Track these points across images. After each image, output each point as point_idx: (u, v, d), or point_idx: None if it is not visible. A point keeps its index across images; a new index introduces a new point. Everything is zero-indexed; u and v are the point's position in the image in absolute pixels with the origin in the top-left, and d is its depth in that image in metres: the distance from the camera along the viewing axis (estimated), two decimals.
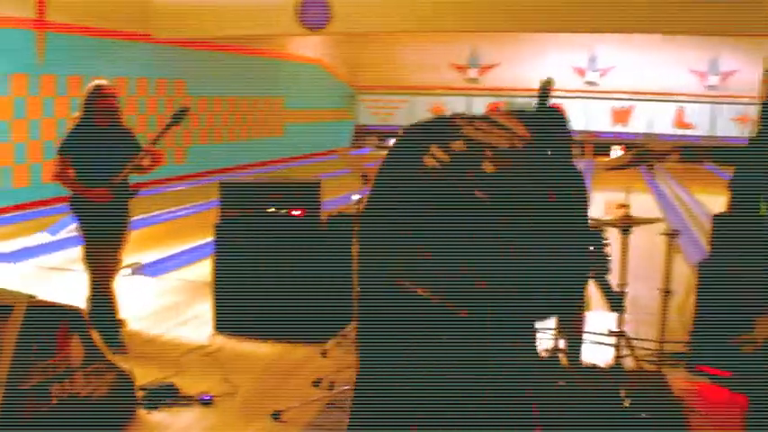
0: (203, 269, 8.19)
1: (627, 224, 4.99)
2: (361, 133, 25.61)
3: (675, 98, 23.32)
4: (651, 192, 14.92)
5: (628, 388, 4.77)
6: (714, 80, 22.95)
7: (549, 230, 2.43)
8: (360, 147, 25.20)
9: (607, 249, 5.09)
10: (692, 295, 5.42)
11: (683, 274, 6.85)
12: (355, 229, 5.09)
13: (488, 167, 2.52)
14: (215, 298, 6.22)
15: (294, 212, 6.16)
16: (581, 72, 24.06)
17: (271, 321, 6.00)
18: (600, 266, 5.09)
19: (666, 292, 4.81)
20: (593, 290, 5.36)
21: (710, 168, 21.06)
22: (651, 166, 4.86)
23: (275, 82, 20.32)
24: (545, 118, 4.92)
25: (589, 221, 5.03)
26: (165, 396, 4.84)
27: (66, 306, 4.09)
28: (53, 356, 3.90)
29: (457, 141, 2.63)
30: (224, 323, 6.17)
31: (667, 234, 4.75)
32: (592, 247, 5.03)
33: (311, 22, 14.17)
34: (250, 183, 6.54)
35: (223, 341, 5.97)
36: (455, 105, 25.03)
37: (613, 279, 5.12)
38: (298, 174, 17.81)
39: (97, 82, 5.78)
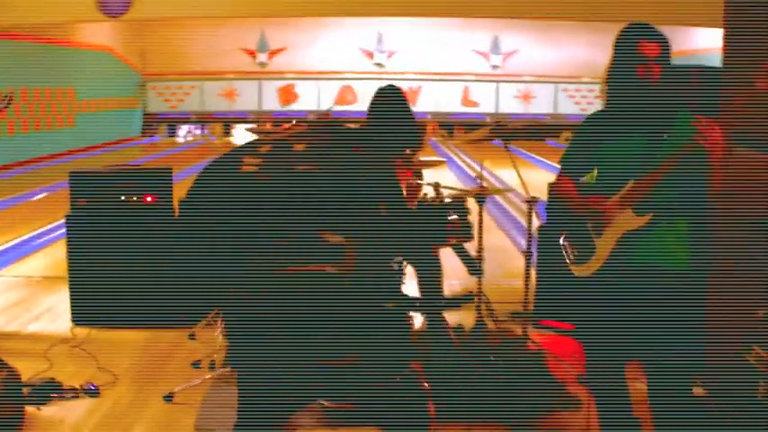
0: (35, 263, 8.01)
1: (482, 194, 5.39)
2: (151, 121, 25.05)
3: (461, 78, 24.43)
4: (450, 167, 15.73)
5: (492, 346, 5.20)
6: (497, 60, 24.22)
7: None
8: (151, 135, 24.67)
9: (469, 218, 5.49)
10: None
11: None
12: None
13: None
14: (71, 290, 6.11)
15: (147, 199, 6.15)
16: (369, 54, 24.68)
17: (132, 309, 5.99)
18: (462, 234, 5.48)
19: (528, 254, 5.25)
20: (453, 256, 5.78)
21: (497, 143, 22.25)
22: (507, 141, 5.28)
23: (67, 71, 19.58)
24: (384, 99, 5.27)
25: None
26: (50, 391, 4.76)
27: None
28: None
29: None
30: (82, 315, 6.07)
31: (527, 201, 5.16)
32: (455, 216, 5.41)
33: (111, 9, 13.84)
34: (101, 171, 6.44)
35: (85, 332, 5.89)
36: (246, 89, 25.08)
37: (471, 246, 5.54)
38: (92, 165, 17.31)
39: None
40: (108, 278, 6.03)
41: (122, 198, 6.10)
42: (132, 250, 6.04)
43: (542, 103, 23.93)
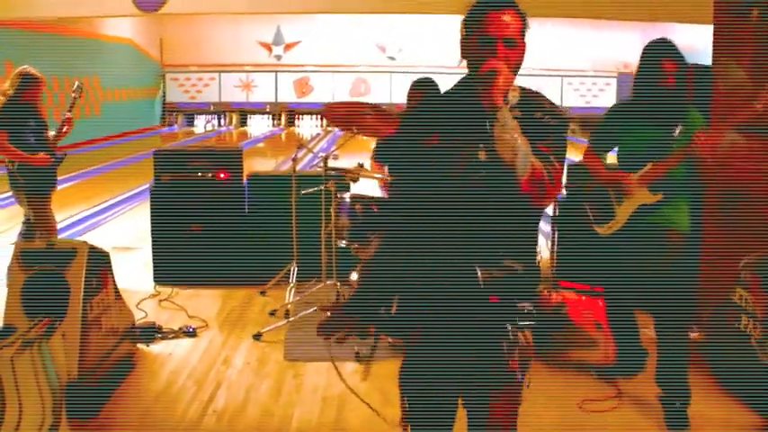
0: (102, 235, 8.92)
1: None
2: (170, 111, 25.88)
3: None
4: None
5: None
6: None
7: None
8: (170, 125, 25.52)
9: None
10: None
11: None
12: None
13: None
14: (153, 253, 7.03)
15: (220, 176, 7.07)
16: (383, 49, 25.61)
17: (207, 270, 6.93)
18: None
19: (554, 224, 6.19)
20: None
21: None
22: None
23: (92, 62, 20.41)
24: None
25: None
26: (153, 332, 5.69)
27: (100, 249, 4.88)
28: (101, 292, 4.72)
29: None
30: (162, 275, 6.97)
31: None
32: None
33: (147, 4, 14.70)
34: (180, 150, 7.38)
35: (168, 290, 6.76)
36: (263, 81, 25.92)
37: None
38: (119, 153, 18.14)
39: (31, 70, 6.63)
40: (186, 243, 6.94)
41: (199, 174, 7.02)
42: (207, 219, 6.97)
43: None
